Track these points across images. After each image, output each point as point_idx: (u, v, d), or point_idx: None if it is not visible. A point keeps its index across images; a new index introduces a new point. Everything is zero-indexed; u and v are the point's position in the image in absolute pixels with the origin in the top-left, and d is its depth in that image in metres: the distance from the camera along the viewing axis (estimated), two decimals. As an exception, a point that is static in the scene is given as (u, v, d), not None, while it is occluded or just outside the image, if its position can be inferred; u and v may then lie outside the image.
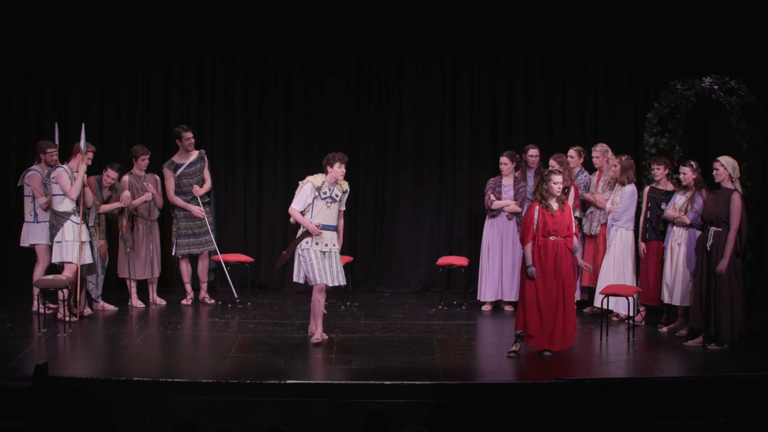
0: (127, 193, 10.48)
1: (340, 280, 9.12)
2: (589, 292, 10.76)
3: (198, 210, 10.94)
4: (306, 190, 9.01)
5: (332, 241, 9.05)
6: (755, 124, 10.38)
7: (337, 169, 8.98)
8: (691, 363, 8.72)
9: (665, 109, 10.75)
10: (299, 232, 9.05)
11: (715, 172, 9.12)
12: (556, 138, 11.98)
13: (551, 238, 8.68)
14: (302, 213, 9.00)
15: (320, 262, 8.94)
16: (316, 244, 8.95)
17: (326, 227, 9.01)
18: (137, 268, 10.82)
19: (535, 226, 8.68)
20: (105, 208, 10.37)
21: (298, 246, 8.98)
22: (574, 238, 8.82)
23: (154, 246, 10.95)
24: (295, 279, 9.13)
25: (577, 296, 10.73)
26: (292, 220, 9.16)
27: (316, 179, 9.02)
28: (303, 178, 11.94)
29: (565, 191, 10.34)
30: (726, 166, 9.07)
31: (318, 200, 8.97)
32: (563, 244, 8.71)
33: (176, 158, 11.07)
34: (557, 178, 8.69)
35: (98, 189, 10.37)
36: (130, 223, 10.72)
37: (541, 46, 12.04)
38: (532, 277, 8.68)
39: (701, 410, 7.48)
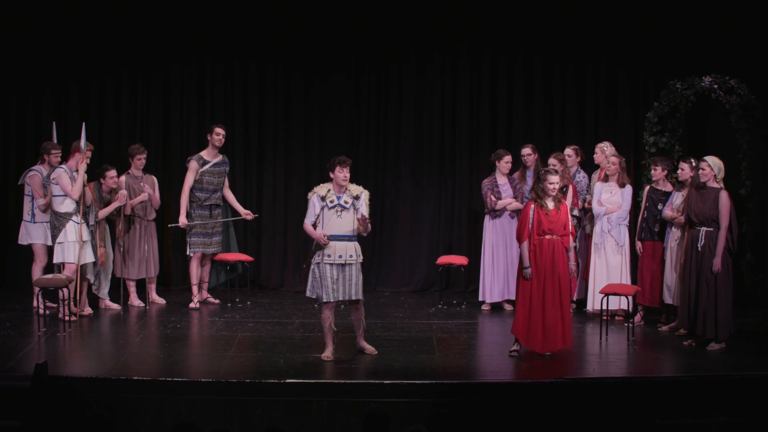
0: (124, 192, 10.46)
1: (353, 293, 8.60)
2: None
3: (183, 221, 10.86)
4: (313, 201, 8.53)
5: (348, 252, 8.52)
6: (755, 124, 10.39)
7: (338, 174, 8.46)
8: (690, 363, 8.71)
9: (665, 109, 10.76)
10: (313, 245, 8.64)
11: (700, 172, 9.13)
12: (556, 138, 11.98)
13: (547, 236, 8.68)
14: (314, 226, 8.59)
15: (332, 278, 8.50)
16: (328, 256, 8.45)
17: (336, 237, 8.49)
18: (133, 268, 10.82)
19: (530, 225, 8.68)
20: (104, 212, 10.34)
21: (312, 260, 8.58)
22: (570, 237, 8.82)
23: (151, 246, 10.95)
24: (307, 294, 8.70)
25: (580, 295, 10.74)
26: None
27: (321, 188, 8.58)
28: (302, 179, 12.08)
29: (563, 190, 10.35)
30: (712, 167, 9.08)
31: (326, 210, 8.50)
32: (560, 242, 8.71)
33: (205, 154, 11.04)
34: (553, 179, 8.67)
35: (98, 195, 10.35)
36: (126, 225, 10.69)
37: (541, 46, 12.04)
38: (526, 278, 8.70)
39: (701, 410, 7.48)
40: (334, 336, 8.71)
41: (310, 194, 8.68)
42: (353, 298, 8.63)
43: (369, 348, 8.81)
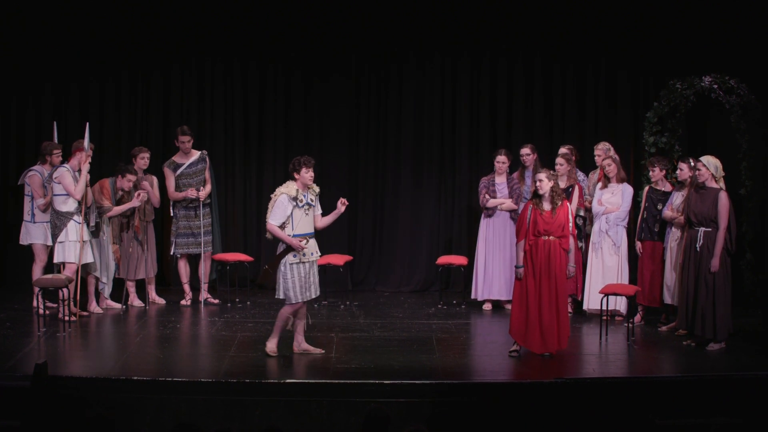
0: (140, 192, 10.46)
1: (318, 290, 8.76)
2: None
3: (193, 191, 10.88)
4: (282, 202, 8.50)
5: (315, 248, 8.66)
6: (755, 124, 10.40)
7: (305, 174, 8.56)
8: (690, 363, 8.72)
9: (665, 109, 10.76)
10: (281, 247, 8.60)
11: (697, 173, 9.12)
12: (556, 138, 11.97)
13: (543, 237, 8.66)
14: (282, 226, 8.56)
15: (302, 279, 8.54)
16: (303, 255, 8.53)
17: (307, 235, 8.58)
18: (133, 268, 10.83)
19: (527, 225, 8.69)
20: (118, 209, 10.37)
21: (283, 261, 8.55)
22: (570, 239, 8.77)
23: (150, 246, 10.97)
24: (277, 295, 8.67)
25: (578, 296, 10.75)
26: (269, 235, 8.62)
27: (289, 189, 8.54)
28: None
29: (569, 190, 10.38)
30: (708, 166, 9.06)
31: (296, 210, 8.51)
32: (557, 244, 8.67)
33: (176, 158, 11.08)
34: (541, 176, 8.68)
35: (112, 191, 10.37)
36: (140, 222, 10.74)
37: (540, 46, 12.04)
38: (518, 277, 8.72)
39: (701, 410, 7.49)
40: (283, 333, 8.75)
41: (275, 195, 8.63)
42: (318, 294, 8.77)
43: (315, 349, 8.81)
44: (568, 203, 8.85)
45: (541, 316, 8.66)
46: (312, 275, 8.64)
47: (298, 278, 8.54)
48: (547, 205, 8.69)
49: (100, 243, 10.29)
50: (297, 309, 8.66)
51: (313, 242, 8.67)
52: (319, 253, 8.76)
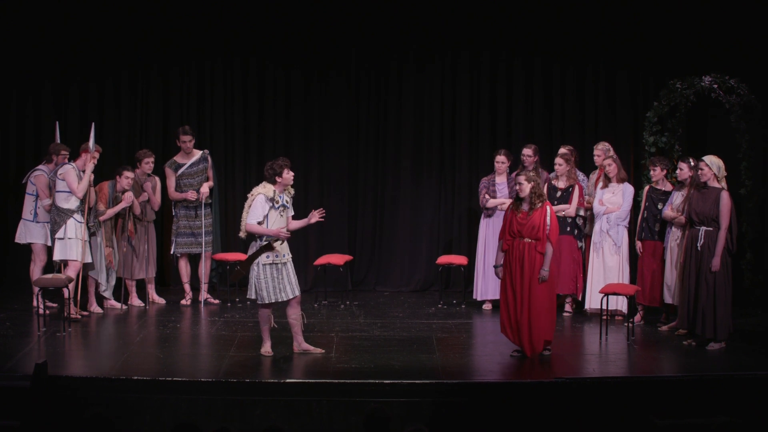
0: (129, 193, 10.48)
1: (296, 289, 8.66)
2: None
3: (193, 194, 10.89)
4: (260, 201, 8.50)
5: (287, 250, 8.65)
6: (755, 123, 10.40)
7: (287, 176, 8.56)
8: (690, 362, 8.72)
9: (665, 108, 10.75)
10: (255, 247, 8.58)
11: (700, 172, 9.11)
12: (556, 138, 11.97)
13: (518, 239, 8.63)
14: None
15: (275, 280, 8.53)
16: (276, 256, 8.52)
17: None
18: (134, 268, 10.84)
19: (505, 226, 8.71)
20: (111, 212, 10.37)
21: (257, 261, 8.54)
22: (548, 244, 8.59)
23: (150, 246, 10.97)
24: (249, 295, 8.70)
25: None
26: (243, 234, 8.67)
27: (267, 189, 8.54)
28: (302, 179, 12.08)
29: (570, 190, 10.37)
30: (711, 166, 9.06)
31: (272, 211, 8.53)
32: (532, 246, 8.59)
33: (178, 158, 11.09)
34: (520, 179, 8.66)
35: (111, 194, 10.38)
36: (134, 225, 10.74)
37: (540, 46, 12.04)
38: (497, 277, 8.77)
39: (701, 410, 7.49)
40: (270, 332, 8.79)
41: (252, 195, 8.61)
42: (297, 294, 8.69)
43: (315, 349, 8.81)
44: (549, 206, 8.69)
45: (510, 316, 8.65)
46: (285, 276, 8.60)
47: (271, 279, 8.53)
48: (525, 207, 8.68)
49: (97, 245, 10.28)
50: (272, 308, 8.67)
51: (286, 244, 8.65)
52: (290, 254, 8.71)
